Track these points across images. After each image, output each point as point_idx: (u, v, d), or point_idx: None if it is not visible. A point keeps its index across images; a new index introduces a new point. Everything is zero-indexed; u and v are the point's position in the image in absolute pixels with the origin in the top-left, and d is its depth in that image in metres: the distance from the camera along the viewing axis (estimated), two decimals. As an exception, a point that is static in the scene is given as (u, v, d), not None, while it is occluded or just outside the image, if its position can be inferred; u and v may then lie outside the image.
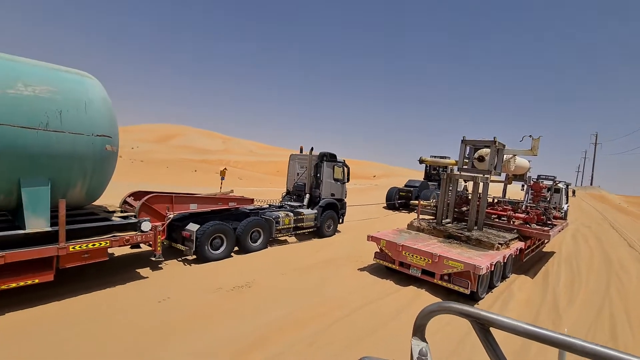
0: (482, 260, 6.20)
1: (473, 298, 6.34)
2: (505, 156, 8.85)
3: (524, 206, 10.62)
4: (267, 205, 10.71)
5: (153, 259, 6.80)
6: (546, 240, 9.72)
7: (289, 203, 11.28)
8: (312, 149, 11.22)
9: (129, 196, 7.63)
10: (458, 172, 8.62)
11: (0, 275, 4.75)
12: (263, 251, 8.87)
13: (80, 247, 5.37)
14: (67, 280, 5.88)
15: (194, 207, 7.97)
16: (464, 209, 9.38)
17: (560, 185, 14.57)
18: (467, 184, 12.76)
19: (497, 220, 9.45)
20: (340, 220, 12.06)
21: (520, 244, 8.04)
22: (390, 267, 7.32)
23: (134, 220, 6.28)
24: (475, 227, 8.18)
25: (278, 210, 10.07)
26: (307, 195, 11.19)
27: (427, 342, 1.14)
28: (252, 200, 9.48)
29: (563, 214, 12.96)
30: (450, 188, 9.07)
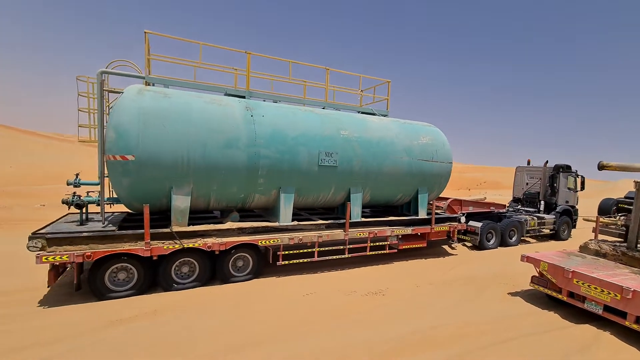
0: None
1: None
2: None
3: None
4: (506, 210, 12.94)
5: (451, 242, 10.21)
6: None
7: (524, 209, 13.20)
8: (546, 162, 12.89)
9: (429, 199, 11.40)
10: None
11: (408, 239, 8.81)
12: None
13: (437, 228, 9.10)
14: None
15: (470, 209, 11.13)
16: None
17: None
18: None
19: None
20: (574, 225, 13.16)
21: None
22: (554, 296, 6.12)
23: (456, 215, 9.80)
24: None
25: (524, 214, 12.19)
26: (542, 203, 12.88)
27: None
28: (504, 206, 12.03)
29: None
30: None
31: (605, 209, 20.42)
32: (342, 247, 7.71)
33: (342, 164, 7.51)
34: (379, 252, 8.30)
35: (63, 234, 5.33)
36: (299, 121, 7.26)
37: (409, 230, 8.58)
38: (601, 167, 7.29)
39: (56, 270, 5.43)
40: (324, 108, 8.52)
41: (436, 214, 9.90)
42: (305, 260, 7.32)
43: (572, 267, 5.82)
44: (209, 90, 7.27)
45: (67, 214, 7.07)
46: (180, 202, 6.13)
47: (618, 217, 12.48)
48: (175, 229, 6.08)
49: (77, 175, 6.35)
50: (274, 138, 6.77)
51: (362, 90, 9.16)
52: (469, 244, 11.04)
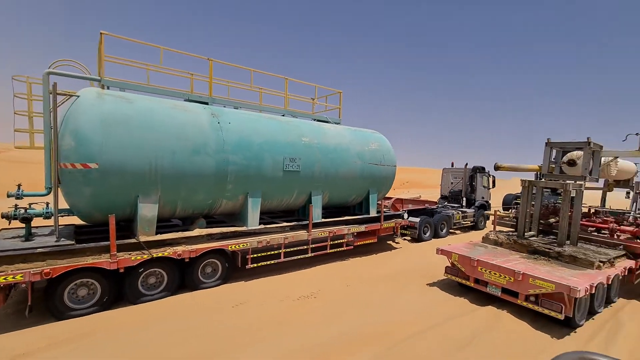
0: (579, 280, 5.46)
1: (569, 324, 5.59)
2: (603, 159, 7.99)
3: (631, 217, 9.43)
4: (437, 207, 14.84)
5: (395, 237, 11.45)
6: None
7: (450, 205, 15.28)
8: (466, 164, 15.15)
9: (374, 199, 12.51)
10: (543, 179, 7.85)
11: (361, 236, 9.67)
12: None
13: (385, 225, 10.16)
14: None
15: (410, 206, 12.58)
16: (552, 220, 8.51)
17: None
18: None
19: (595, 234, 8.37)
20: (488, 217, 15.69)
21: (628, 263, 6.90)
22: (464, 283, 6.82)
23: (400, 212, 11.01)
24: (568, 242, 7.22)
25: (450, 209, 14.13)
26: (464, 199, 15.10)
27: None
28: (435, 203, 13.81)
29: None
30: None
31: (508, 202, 24.46)
32: (305, 247, 8.17)
33: (304, 169, 7.99)
34: (338, 249, 8.98)
35: (14, 251, 4.80)
36: (263, 128, 7.55)
37: (362, 228, 9.43)
38: (496, 167, 8.33)
39: (4, 292, 4.84)
40: (283, 115, 8.90)
41: (383, 212, 11.01)
42: (272, 261, 7.61)
43: (477, 257, 6.54)
44: (168, 95, 7.10)
45: (1, 230, 6.20)
46: (147, 211, 5.94)
47: (511, 210, 14.16)
48: (143, 238, 5.87)
49: (19, 186, 5.68)
50: (241, 144, 6.95)
51: (317, 99, 9.79)
52: (408, 238, 12.45)
